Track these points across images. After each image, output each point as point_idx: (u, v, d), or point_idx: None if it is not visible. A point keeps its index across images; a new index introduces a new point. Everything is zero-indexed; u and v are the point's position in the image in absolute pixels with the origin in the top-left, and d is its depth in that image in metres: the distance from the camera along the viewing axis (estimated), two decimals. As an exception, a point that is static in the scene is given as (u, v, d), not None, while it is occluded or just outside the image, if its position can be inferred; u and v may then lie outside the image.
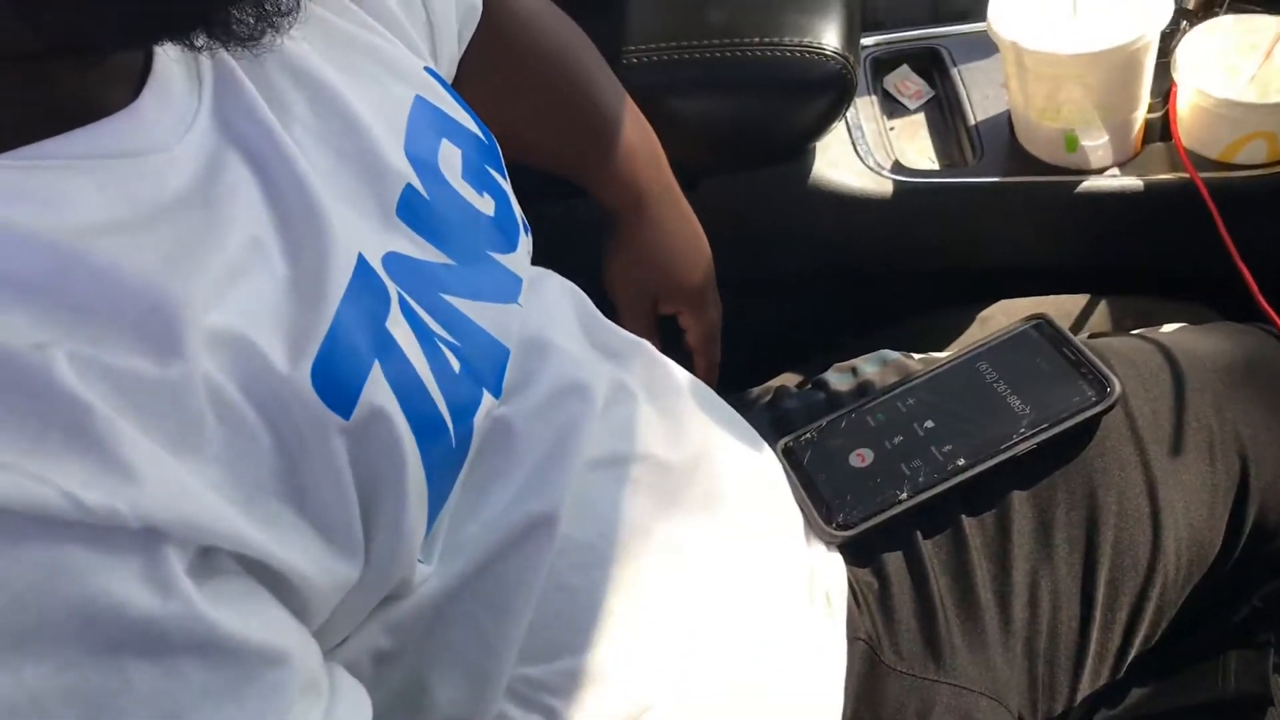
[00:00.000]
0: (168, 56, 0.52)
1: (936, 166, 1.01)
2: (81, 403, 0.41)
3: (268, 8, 0.48)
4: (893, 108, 1.06)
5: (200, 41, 0.47)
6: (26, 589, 0.38)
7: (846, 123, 1.02)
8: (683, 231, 0.86)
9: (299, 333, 0.49)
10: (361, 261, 0.54)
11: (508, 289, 0.63)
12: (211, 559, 0.44)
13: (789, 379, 0.91)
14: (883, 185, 0.97)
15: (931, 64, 1.08)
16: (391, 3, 0.66)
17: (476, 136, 0.66)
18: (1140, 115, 0.94)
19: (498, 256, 0.64)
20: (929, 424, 0.71)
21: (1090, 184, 0.94)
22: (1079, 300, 0.92)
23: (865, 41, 1.08)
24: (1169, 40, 0.94)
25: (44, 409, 0.40)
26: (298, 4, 0.50)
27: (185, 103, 0.52)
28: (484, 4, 0.75)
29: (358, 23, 0.62)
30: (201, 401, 0.45)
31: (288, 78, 0.57)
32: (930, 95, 1.07)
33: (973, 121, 1.00)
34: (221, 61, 0.54)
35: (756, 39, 0.88)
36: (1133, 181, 0.94)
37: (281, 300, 0.50)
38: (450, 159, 0.63)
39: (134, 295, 0.45)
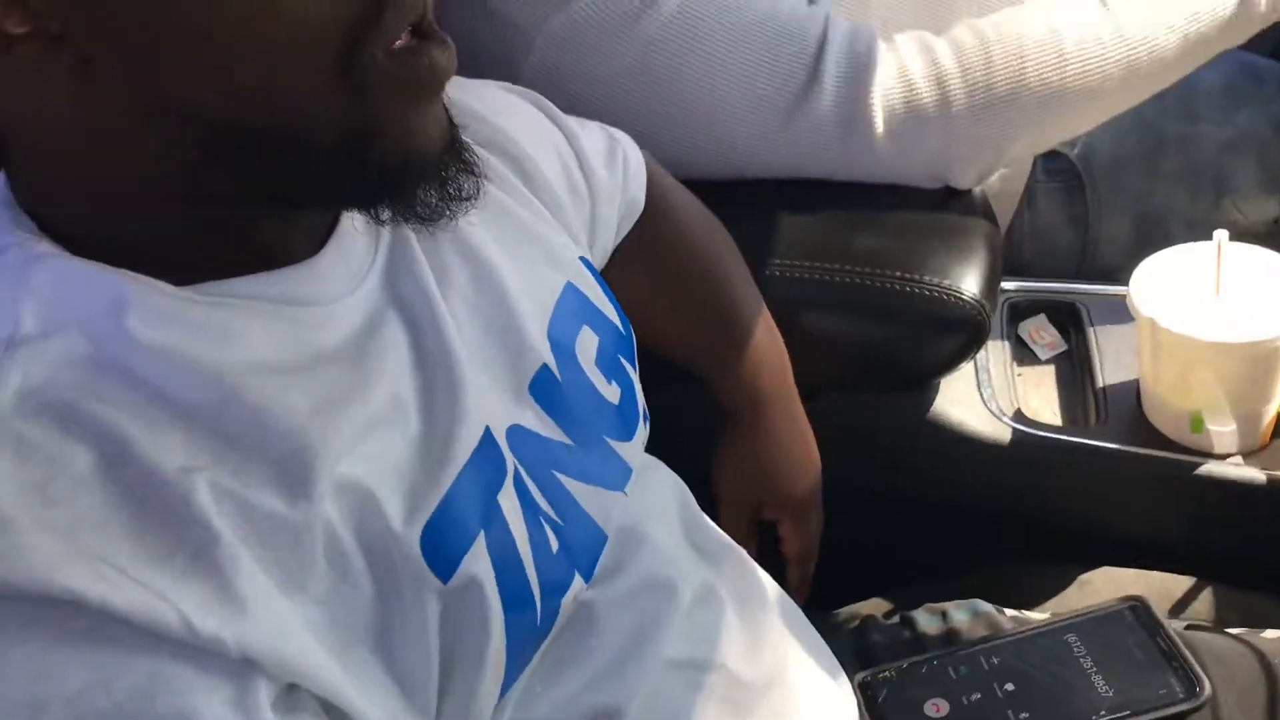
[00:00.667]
0: (352, 219, 0.56)
1: (1059, 422, 1.01)
2: (212, 530, 0.44)
3: (450, 191, 0.53)
4: (1023, 354, 1.08)
5: (385, 216, 0.52)
6: (128, 697, 0.41)
7: (975, 362, 1.03)
8: (795, 441, 0.87)
9: (418, 493, 0.52)
10: (487, 433, 0.56)
11: (617, 476, 0.66)
12: (295, 696, 0.46)
13: (878, 605, 0.91)
14: (1001, 431, 0.98)
15: (1068, 318, 1.09)
16: (560, 192, 0.70)
17: (615, 327, 0.70)
18: (1272, 409, 0.93)
19: (614, 443, 0.66)
20: (1009, 687, 0.70)
21: (1211, 468, 0.93)
22: (1183, 582, 0.90)
23: (1006, 285, 1.10)
24: (1311, 338, 0.94)
25: (178, 531, 0.44)
26: (477, 190, 0.54)
27: (361, 260, 0.56)
28: (645, 202, 0.80)
29: (526, 206, 0.67)
30: (318, 544, 0.48)
31: (455, 251, 0.61)
32: (1063, 348, 1.08)
33: (1101, 383, 1.01)
34: (398, 228, 0.58)
35: (897, 273, 0.91)
36: (1255, 474, 0.93)
37: (409, 459, 0.53)
38: (587, 345, 0.66)
39: (279, 436, 0.48)
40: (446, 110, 0.52)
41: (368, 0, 0.45)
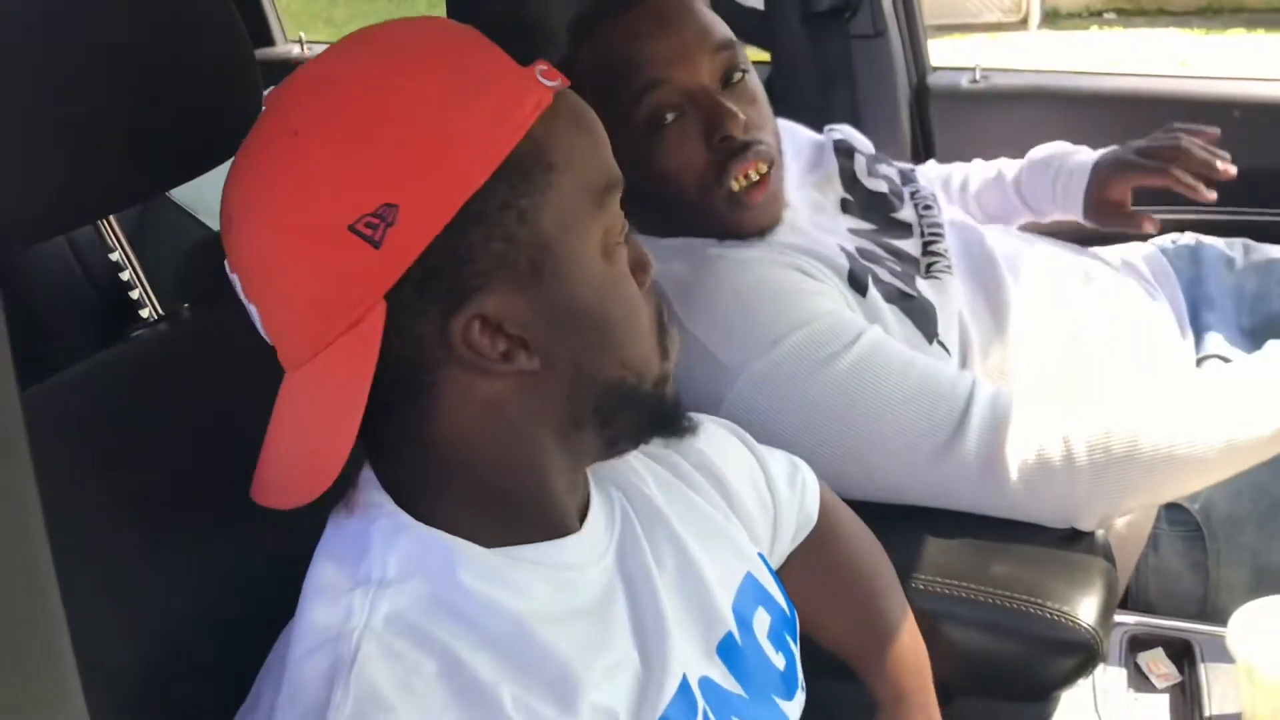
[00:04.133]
0: (597, 504, 0.79)
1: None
2: None
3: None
4: (1140, 683, 1.20)
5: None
6: None
7: (1094, 686, 1.16)
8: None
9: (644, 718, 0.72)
10: (684, 680, 0.76)
11: None
12: None
13: None
14: (1115, 749, 1.10)
15: (1184, 653, 1.22)
16: (751, 505, 0.91)
17: (783, 610, 0.89)
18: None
19: (779, 701, 0.84)
20: None
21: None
22: None
23: (1126, 619, 1.24)
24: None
25: None
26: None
27: (604, 538, 0.78)
28: (817, 518, 1.01)
29: (722, 513, 0.88)
30: None
31: (666, 539, 0.82)
32: (1177, 680, 1.20)
33: (1208, 713, 1.12)
34: (628, 518, 0.80)
35: (1025, 597, 1.07)
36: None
37: (636, 695, 0.73)
38: (761, 621, 0.86)
39: (554, 665, 0.69)
40: None
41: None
